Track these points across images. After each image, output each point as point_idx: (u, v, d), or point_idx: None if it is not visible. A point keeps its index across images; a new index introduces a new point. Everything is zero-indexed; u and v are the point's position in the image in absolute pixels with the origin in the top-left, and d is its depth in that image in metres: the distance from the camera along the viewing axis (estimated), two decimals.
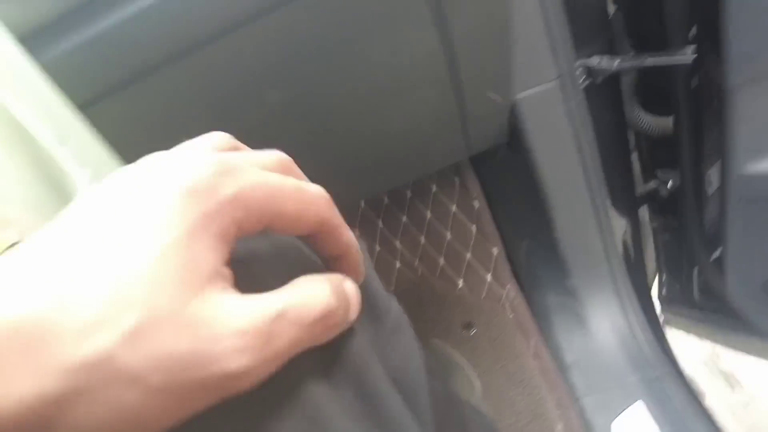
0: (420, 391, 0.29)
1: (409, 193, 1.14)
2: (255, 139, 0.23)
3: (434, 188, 1.09)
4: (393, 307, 0.31)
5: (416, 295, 1.13)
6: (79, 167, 0.33)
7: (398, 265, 1.19)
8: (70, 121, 0.33)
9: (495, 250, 1.02)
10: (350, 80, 0.44)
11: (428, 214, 1.11)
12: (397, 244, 1.18)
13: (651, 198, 0.88)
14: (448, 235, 1.09)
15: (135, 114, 0.43)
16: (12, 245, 0.23)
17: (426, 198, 1.10)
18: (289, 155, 0.22)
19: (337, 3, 0.39)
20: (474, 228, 1.05)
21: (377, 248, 1.20)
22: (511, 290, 1.00)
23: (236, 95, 0.43)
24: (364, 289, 0.25)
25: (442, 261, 1.11)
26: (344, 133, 0.51)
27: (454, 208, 1.07)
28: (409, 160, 0.68)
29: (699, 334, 0.95)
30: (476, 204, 1.03)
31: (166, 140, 0.21)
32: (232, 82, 0.41)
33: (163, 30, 0.38)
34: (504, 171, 0.95)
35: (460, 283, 1.08)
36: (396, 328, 0.30)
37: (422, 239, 1.14)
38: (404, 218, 1.16)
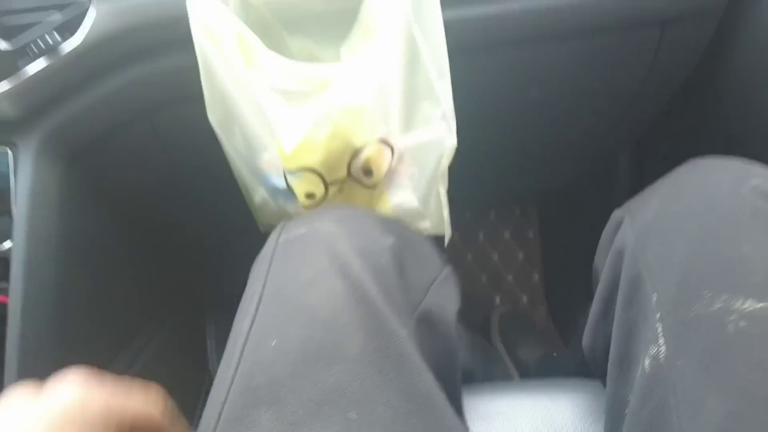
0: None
1: (467, 214, 1.32)
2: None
3: (492, 215, 1.28)
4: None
5: None
6: (443, 99, 0.50)
7: None
8: (445, 60, 0.49)
9: (536, 276, 1.22)
10: (565, 98, 0.63)
11: (480, 236, 1.29)
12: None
13: None
14: (495, 257, 1.27)
15: None
16: None
17: (485, 222, 1.29)
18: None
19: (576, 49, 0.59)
20: (521, 254, 1.24)
21: None
22: (542, 311, 1.19)
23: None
24: None
25: (483, 278, 1.28)
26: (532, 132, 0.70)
27: (507, 234, 1.26)
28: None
29: None
30: (530, 233, 1.23)
31: None
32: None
33: None
34: (564, 208, 1.16)
35: (497, 299, 1.26)
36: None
37: (469, 256, 1.31)
38: (457, 236, 1.33)
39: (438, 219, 0.58)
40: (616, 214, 0.44)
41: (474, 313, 1.19)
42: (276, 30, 0.50)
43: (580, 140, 0.78)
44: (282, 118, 0.47)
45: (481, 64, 0.58)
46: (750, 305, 0.30)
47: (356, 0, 0.48)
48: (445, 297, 0.44)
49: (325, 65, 0.48)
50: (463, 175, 0.84)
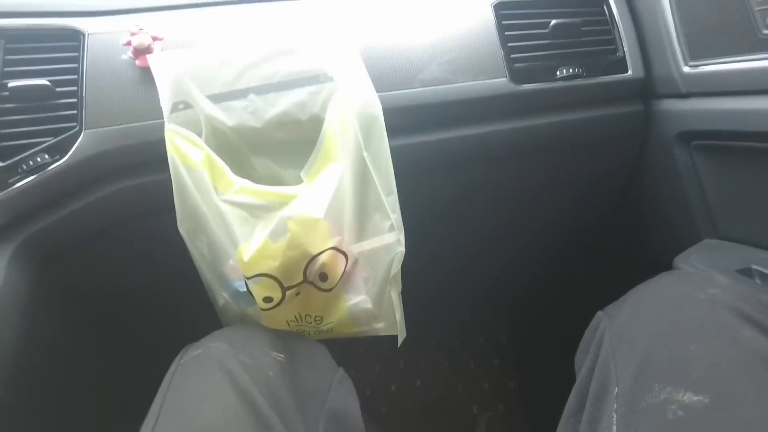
0: None
1: (441, 321, 1.33)
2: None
3: (467, 321, 1.30)
4: None
5: (433, 413, 1.26)
6: (391, 212, 0.56)
7: (418, 383, 1.33)
8: (392, 179, 0.56)
9: (511, 383, 1.20)
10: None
11: (456, 343, 1.30)
12: (421, 362, 1.33)
13: None
14: (471, 364, 1.26)
15: None
16: None
17: (456, 328, 1.30)
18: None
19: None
20: (496, 361, 1.24)
21: (401, 365, 1.35)
22: (519, 418, 1.16)
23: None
24: None
25: (461, 387, 1.26)
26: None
27: (481, 339, 1.27)
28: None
29: None
30: (503, 339, 1.24)
31: None
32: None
33: None
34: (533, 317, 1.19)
35: (475, 409, 1.23)
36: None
37: (446, 364, 1.30)
38: (433, 341, 1.33)
39: (391, 320, 0.61)
40: (599, 316, 0.49)
41: (454, 420, 1.16)
42: (243, 153, 0.57)
43: (531, 248, 0.84)
44: (243, 229, 0.52)
45: (431, 183, 0.65)
46: (688, 397, 0.34)
47: (315, 130, 0.56)
48: (344, 395, 0.49)
49: (286, 187, 0.55)
50: (432, 282, 0.88)
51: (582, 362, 0.47)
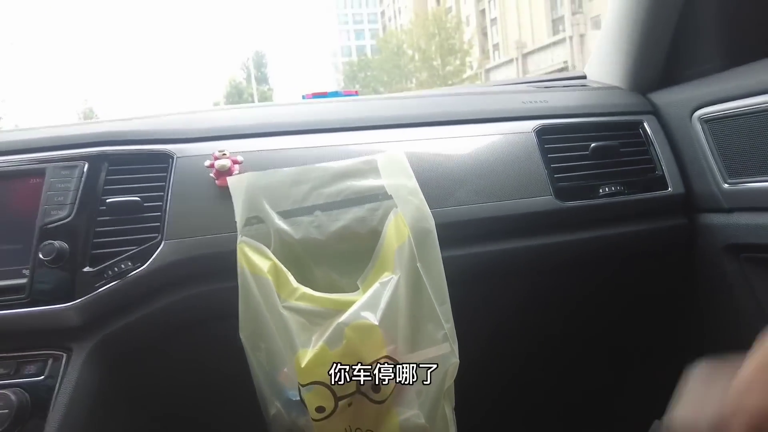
0: None
1: None
2: None
3: None
4: None
5: None
6: (444, 322, 0.57)
7: None
8: (444, 289, 0.58)
9: None
10: None
11: None
12: None
13: None
14: None
15: None
16: None
17: None
18: None
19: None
20: None
21: None
22: None
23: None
24: None
25: None
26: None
27: None
28: None
29: None
30: None
31: None
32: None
33: None
34: None
35: None
36: None
37: None
38: None
39: None
40: (656, 425, 0.48)
41: None
42: (306, 263, 0.62)
43: (583, 361, 0.81)
44: (302, 336, 0.55)
45: (480, 293, 0.67)
46: None
47: (373, 242, 0.60)
48: None
49: (345, 294, 0.58)
50: (485, 397, 0.86)
51: None
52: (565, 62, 15.93)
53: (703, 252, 0.68)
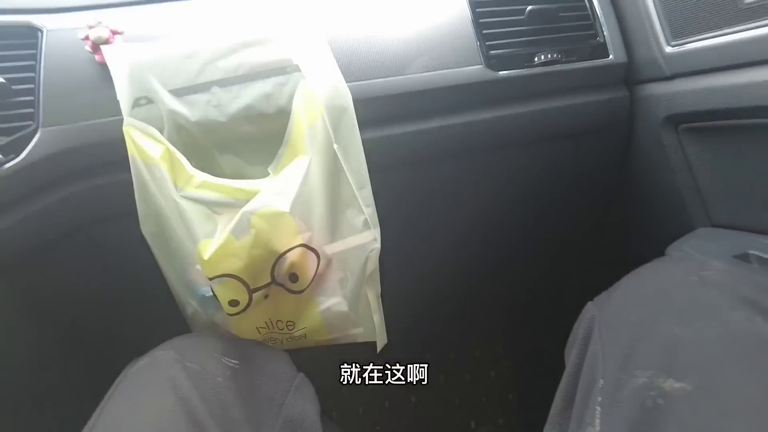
0: None
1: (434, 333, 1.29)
2: None
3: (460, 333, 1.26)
4: None
5: (429, 429, 1.20)
6: (365, 207, 0.53)
7: (413, 399, 1.28)
8: (364, 172, 0.53)
9: (510, 396, 1.15)
10: None
11: (451, 355, 1.25)
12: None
13: None
14: (467, 377, 1.22)
15: None
16: None
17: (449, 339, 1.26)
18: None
19: None
20: (493, 373, 1.19)
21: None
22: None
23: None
24: None
25: (457, 401, 1.21)
26: None
27: (477, 351, 1.22)
28: None
29: None
30: (500, 350, 1.19)
31: None
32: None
33: None
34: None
35: (473, 423, 1.18)
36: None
37: (441, 378, 1.25)
38: (426, 353, 1.29)
39: (370, 325, 0.57)
40: (588, 307, 0.46)
41: None
42: (208, 150, 0.55)
43: (520, 247, 0.80)
44: (205, 227, 0.49)
45: (408, 177, 0.62)
46: (669, 384, 0.31)
47: (282, 124, 0.53)
48: (303, 401, 0.47)
49: (251, 180, 0.52)
50: (417, 289, 0.85)
51: (569, 355, 0.44)
52: None
53: (642, 126, 0.65)
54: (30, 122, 0.52)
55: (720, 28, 0.50)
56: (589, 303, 0.47)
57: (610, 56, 0.62)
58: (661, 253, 0.57)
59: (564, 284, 0.97)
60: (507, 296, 1.09)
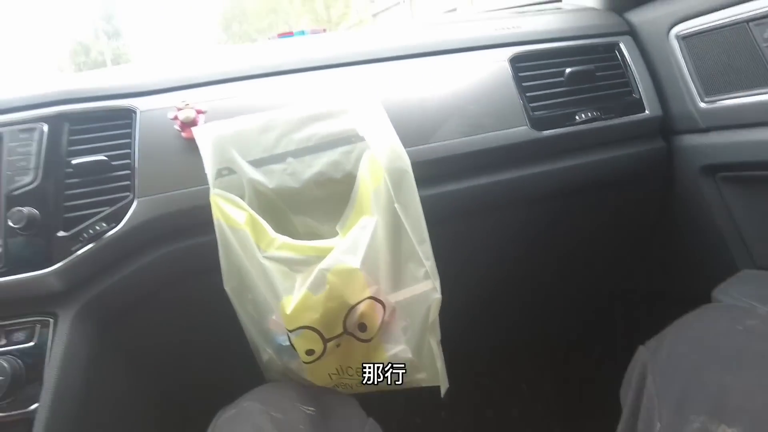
0: None
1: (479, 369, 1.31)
2: None
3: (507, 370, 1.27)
4: None
5: None
6: (425, 260, 0.58)
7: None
8: (423, 228, 0.58)
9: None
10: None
11: (498, 391, 1.26)
12: (463, 411, 1.30)
13: None
14: (515, 412, 1.23)
15: None
16: None
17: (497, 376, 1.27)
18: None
19: None
20: (540, 407, 1.20)
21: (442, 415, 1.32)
22: None
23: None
24: None
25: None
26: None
27: (524, 386, 1.24)
28: None
29: None
30: (547, 386, 1.21)
31: None
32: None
33: None
34: None
35: None
36: None
37: (490, 412, 1.27)
38: (474, 390, 1.30)
39: (433, 370, 0.61)
40: (640, 350, 0.50)
41: None
42: (284, 212, 0.61)
43: (567, 290, 0.83)
44: (285, 284, 0.55)
45: (461, 229, 0.67)
46: (722, 429, 0.35)
47: (349, 187, 0.59)
48: None
49: (323, 240, 0.58)
50: (469, 330, 0.88)
51: (626, 397, 0.47)
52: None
53: (680, 175, 0.69)
54: (128, 193, 0.59)
55: (750, 88, 0.54)
56: (641, 347, 0.50)
57: (646, 111, 0.67)
58: (705, 293, 0.60)
59: (610, 324, 0.99)
60: (555, 336, 1.11)
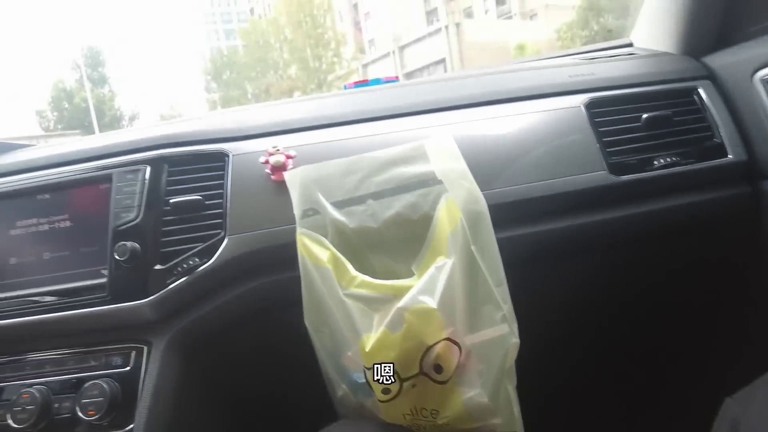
0: None
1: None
2: None
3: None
4: None
5: None
6: (502, 303, 0.58)
7: None
8: (500, 271, 0.59)
9: None
10: None
11: None
12: None
13: None
14: None
15: None
16: None
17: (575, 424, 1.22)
18: None
19: None
20: None
21: None
22: None
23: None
24: None
25: None
26: None
27: None
28: None
29: None
30: None
31: None
32: None
33: None
34: None
35: None
36: None
37: None
38: None
39: (508, 416, 0.60)
40: (729, 405, 0.47)
41: None
42: (362, 251, 0.63)
43: (650, 335, 0.80)
44: (364, 321, 0.57)
45: (535, 273, 0.67)
46: None
47: (425, 226, 0.61)
48: None
49: (401, 280, 0.59)
50: (547, 376, 0.86)
51: None
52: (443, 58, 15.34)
53: None
54: (219, 231, 0.63)
55: None
56: (728, 399, 0.47)
57: (729, 155, 0.65)
58: None
59: (693, 372, 0.94)
60: (635, 384, 1.07)
